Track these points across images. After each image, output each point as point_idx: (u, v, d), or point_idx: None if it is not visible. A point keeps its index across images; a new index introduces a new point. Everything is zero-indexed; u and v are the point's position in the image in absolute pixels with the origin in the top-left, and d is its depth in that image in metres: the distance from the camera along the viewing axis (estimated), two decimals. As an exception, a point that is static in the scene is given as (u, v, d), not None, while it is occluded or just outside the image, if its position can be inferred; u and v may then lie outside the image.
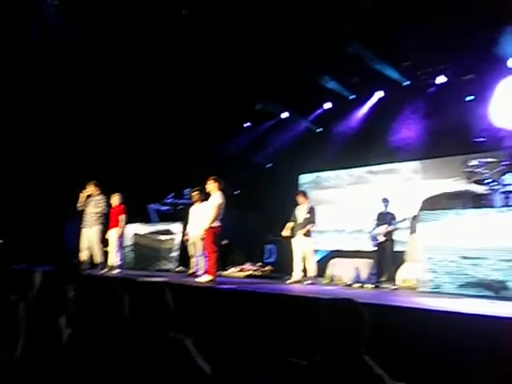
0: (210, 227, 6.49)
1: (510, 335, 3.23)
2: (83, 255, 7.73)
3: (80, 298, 3.09)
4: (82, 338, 2.46)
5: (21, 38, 8.14)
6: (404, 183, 9.65)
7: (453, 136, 8.11)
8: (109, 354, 2.27)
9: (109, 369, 2.23)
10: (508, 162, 6.61)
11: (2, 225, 8.90)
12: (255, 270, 8.79)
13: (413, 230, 7.93)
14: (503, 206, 6.16)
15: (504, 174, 6.44)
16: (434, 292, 5.78)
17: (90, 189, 7.84)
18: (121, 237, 8.39)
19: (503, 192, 6.30)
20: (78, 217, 7.96)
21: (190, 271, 7.87)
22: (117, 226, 8.08)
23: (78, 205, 7.79)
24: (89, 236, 7.73)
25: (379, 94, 9.87)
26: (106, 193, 8.11)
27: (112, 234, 8.10)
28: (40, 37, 8.13)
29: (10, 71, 8.66)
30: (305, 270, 7.34)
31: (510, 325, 3.36)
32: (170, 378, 2.21)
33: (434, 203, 8.02)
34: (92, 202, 7.81)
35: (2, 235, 8.85)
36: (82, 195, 7.79)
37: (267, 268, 9.06)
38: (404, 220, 7.11)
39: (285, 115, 11.20)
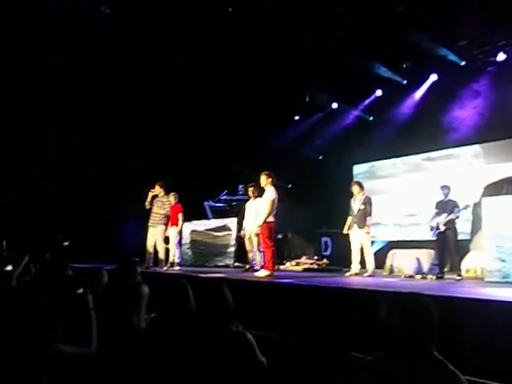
0: (265, 222, 6.53)
1: None
2: (148, 253, 8.04)
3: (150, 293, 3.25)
4: (155, 330, 2.56)
5: (72, 42, 8.52)
6: (465, 169, 9.22)
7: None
8: (178, 345, 2.36)
9: (178, 359, 2.31)
10: None
11: (69, 227, 9.43)
12: (312, 264, 8.75)
13: (476, 218, 7.58)
14: None
15: None
16: (503, 282, 5.50)
17: (157, 189, 8.13)
18: (179, 234, 8.65)
19: None
20: (140, 216, 8.29)
21: (247, 266, 7.96)
22: (175, 224, 8.35)
23: (146, 203, 8.11)
24: (154, 235, 8.02)
25: (434, 77, 9.46)
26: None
27: (171, 232, 8.36)
28: (90, 42, 8.46)
29: (63, 73, 9.10)
30: (363, 262, 7.21)
31: None
32: (230, 368, 2.27)
33: (498, 188, 7.62)
34: (158, 203, 8.13)
35: (68, 237, 9.37)
36: (150, 195, 8.08)
37: (324, 261, 9.00)
38: (466, 207, 6.78)
39: (335, 106, 11.02)
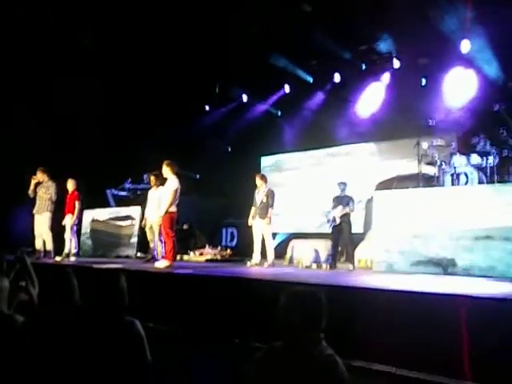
0: (167, 212, 6.45)
1: (452, 310, 3.39)
2: (37, 242, 7.62)
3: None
4: (35, 325, 2.43)
5: None
6: (361, 165, 9.81)
7: (407, 119, 8.27)
8: (63, 339, 2.27)
9: (64, 353, 2.23)
10: (456, 145, 6.86)
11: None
12: (215, 254, 8.82)
13: (368, 212, 8.15)
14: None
15: (452, 156, 6.68)
16: (388, 271, 5.97)
17: (39, 175, 7.71)
18: (76, 223, 8.24)
19: (452, 174, 6.53)
20: (29, 204, 7.79)
21: (149, 257, 7.81)
22: (71, 212, 7.95)
23: (29, 192, 7.65)
24: (40, 223, 7.61)
25: (337, 77, 9.92)
26: (64, 179, 7.98)
27: (67, 221, 7.95)
28: None
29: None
30: (264, 253, 7.42)
31: (451, 301, 3.52)
32: (116, 357, 2.23)
33: (389, 186, 8.25)
34: (42, 189, 7.77)
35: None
36: (32, 182, 7.64)
37: (228, 251, 9.11)
38: (360, 202, 7.26)
39: (245, 98, 11.12)
